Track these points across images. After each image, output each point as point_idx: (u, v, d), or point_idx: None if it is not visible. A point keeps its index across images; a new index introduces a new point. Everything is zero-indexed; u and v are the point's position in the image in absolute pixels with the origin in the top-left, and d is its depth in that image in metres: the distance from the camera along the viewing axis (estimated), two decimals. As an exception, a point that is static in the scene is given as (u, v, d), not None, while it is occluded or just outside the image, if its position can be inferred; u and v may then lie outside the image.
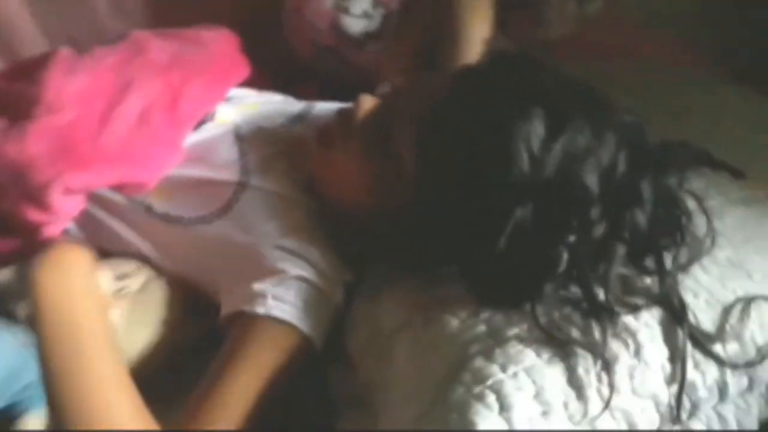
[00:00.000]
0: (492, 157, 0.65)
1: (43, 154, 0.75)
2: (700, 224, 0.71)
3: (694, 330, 0.64)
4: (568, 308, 0.65)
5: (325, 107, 0.88)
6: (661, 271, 0.67)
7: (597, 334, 0.63)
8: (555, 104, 0.66)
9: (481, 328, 0.65)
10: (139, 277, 0.77)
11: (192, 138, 0.83)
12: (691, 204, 0.71)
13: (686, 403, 0.63)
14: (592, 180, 0.65)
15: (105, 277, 0.72)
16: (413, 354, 0.67)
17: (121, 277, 0.76)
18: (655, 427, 0.63)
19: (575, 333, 0.63)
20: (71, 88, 0.78)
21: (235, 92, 0.89)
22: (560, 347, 0.63)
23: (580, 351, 0.62)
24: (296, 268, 0.73)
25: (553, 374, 0.61)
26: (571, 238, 0.64)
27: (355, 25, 0.97)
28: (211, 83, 0.86)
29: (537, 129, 0.65)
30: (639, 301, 0.65)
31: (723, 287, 0.68)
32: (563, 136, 0.65)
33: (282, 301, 0.71)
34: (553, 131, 0.65)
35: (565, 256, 0.63)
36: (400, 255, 0.73)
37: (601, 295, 0.64)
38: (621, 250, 0.65)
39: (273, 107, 0.89)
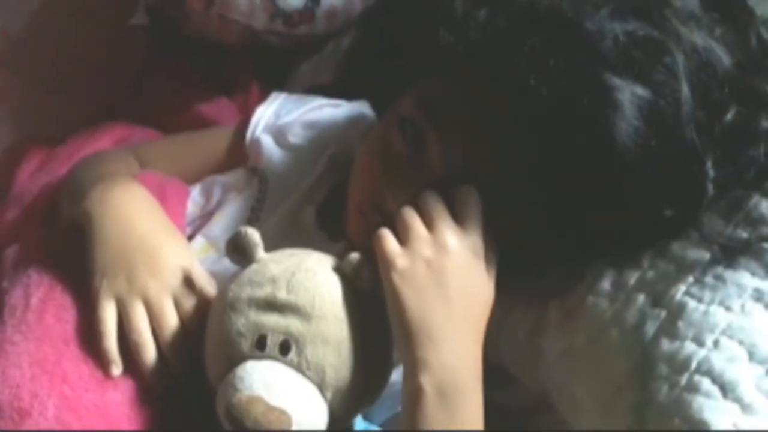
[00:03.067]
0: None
1: None
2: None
3: None
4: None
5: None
6: None
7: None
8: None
9: (640, 298, 0.54)
10: None
11: None
12: None
13: None
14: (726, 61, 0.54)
15: None
16: (572, 357, 0.56)
17: None
18: None
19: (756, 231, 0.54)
20: (23, 370, 0.57)
21: None
22: (746, 251, 0.53)
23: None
24: None
25: (756, 324, 0.51)
26: (708, 160, 0.53)
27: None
28: None
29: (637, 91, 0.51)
30: None
31: None
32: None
33: None
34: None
35: (711, 172, 0.53)
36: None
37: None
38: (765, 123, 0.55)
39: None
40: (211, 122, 0.88)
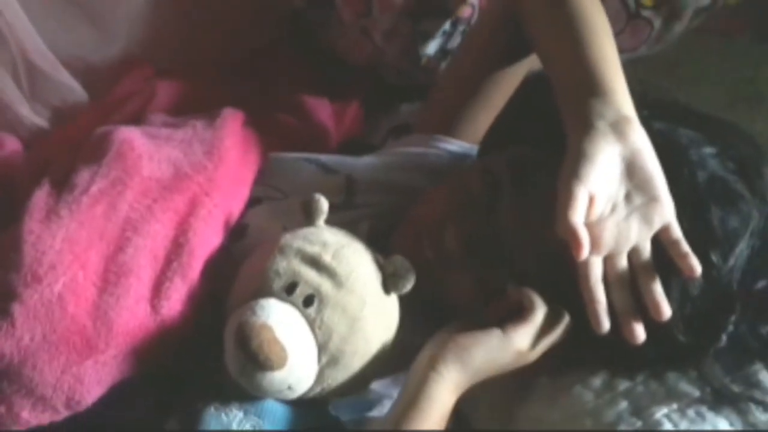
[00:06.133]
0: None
1: (39, 344, 0.57)
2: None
3: None
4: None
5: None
6: None
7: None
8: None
9: (623, 404, 0.59)
10: None
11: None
12: None
13: None
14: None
15: None
16: (544, 429, 0.61)
17: None
18: None
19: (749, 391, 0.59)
20: (54, 241, 0.60)
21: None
22: (733, 404, 0.58)
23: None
24: None
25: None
26: (734, 315, 0.58)
27: (432, 46, 0.88)
28: (233, 182, 0.71)
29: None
30: None
31: None
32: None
33: None
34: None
35: (731, 326, 0.58)
36: None
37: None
38: None
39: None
40: (306, 111, 0.95)
